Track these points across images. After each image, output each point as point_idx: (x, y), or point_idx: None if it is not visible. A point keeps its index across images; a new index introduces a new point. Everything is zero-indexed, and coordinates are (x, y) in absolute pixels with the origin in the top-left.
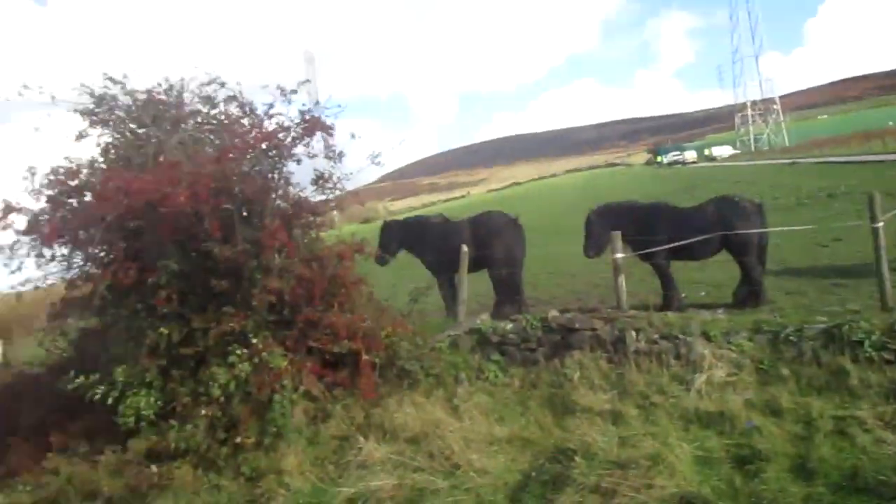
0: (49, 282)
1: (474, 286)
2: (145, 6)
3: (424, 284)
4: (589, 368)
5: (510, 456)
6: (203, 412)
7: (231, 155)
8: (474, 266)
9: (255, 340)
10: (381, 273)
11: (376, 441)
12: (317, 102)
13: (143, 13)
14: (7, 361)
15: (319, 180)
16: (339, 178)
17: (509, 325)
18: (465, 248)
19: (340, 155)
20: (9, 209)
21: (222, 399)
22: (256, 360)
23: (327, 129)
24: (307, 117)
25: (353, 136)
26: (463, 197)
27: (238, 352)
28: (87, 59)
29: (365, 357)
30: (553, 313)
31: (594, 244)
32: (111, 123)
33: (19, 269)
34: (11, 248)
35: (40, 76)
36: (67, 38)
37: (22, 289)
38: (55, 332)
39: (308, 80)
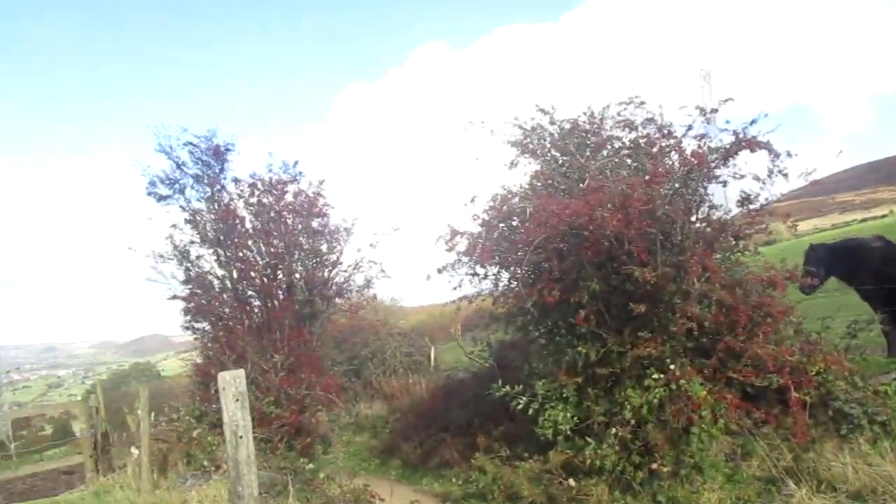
0: (480, 297)
1: None
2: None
3: (862, 317)
4: None
5: None
6: (616, 432)
7: (658, 177)
8: None
9: (672, 366)
10: (807, 303)
11: (809, 490)
12: (709, 120)
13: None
14: (437, 366)
15: (745, 202)
16: (766, 199)
17: None
18: None
19: (779, 173)
20: (454, 233)
21: (634, 422)
22: (673, 386)
23: (764, 148)
24: (741, 137)
25: (788, 154)
26: (885, 216)
27: (654, 376)
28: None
29: (795, 395)
30: None
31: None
32: (539, 152)
33: (460, 285)
34: (453, 266)
35: (480, 110)
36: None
37: (456, 302)
38: (479, 342)
39: (730, 99)
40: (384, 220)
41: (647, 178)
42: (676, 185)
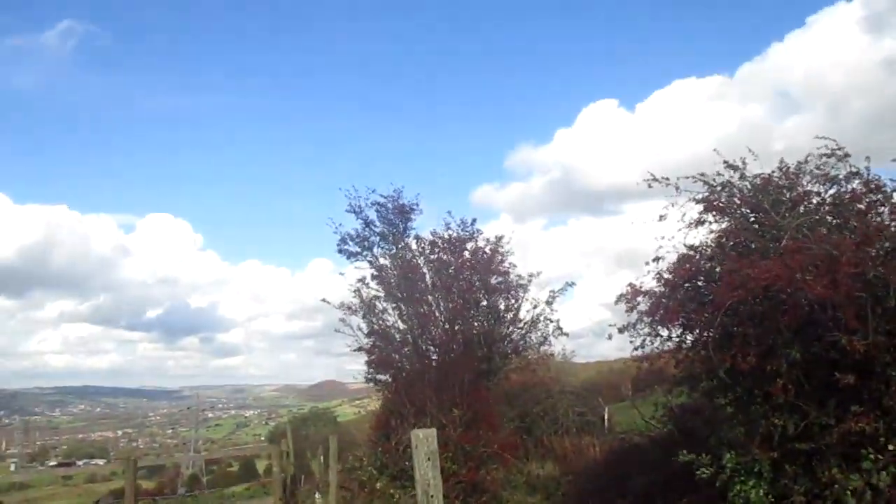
0: (661, 359)
1: None
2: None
3: None
4: None
5: None
6: None
7: (872, 239)
8: None
9: (891, 447)
10: None
11: None
12: None
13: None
14: (611, 427)
15: None
16: None
17: None
18: None
19: None
20: (636, 292)
21: None
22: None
23: None
24: None
25: None
26: None
27: (871, 457)
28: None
29: None
30: None
31: None
32: (727, 210)
33: (643, 346)
34: (634, 325)
35: (655, 167)
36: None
37: (637, 362)
38: (658, 405)
39: None
40: (559, 279)
41: (857, 239)
42: (888, 245)
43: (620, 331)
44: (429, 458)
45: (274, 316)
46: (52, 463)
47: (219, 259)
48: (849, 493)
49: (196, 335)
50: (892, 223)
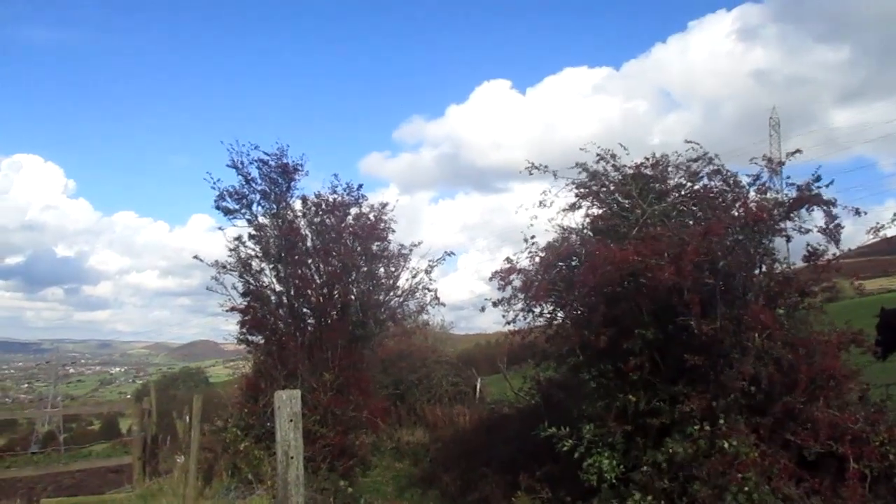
0: (533, 334)
1: None
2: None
3: None
4: None
5: None
6: (663, 486)
7: (716, 230)
8: None
9: (721, 422)
10: (875, 367)
11: None
12: (775, 171)
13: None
14: (482, 397)
15: (812, 257)
16: (834, 254)
17: None
18: None
19: (837, 230)
20: (511, 270)
21: (682, 476)
22: (720, 442)
23: (825, 204)
24: (805, 194)
25: (857, 212)
26: None
27: (696, 427)
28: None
29: (854, 466)
30: None
31: None
32: (601, 196)
33: (514, 320)
34: (509, 301)
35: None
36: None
37: (509, 336)
38: (527, 379)
39: (798, 151)
40: (439, 249)
41: (704, 229)
42: (739, 237)
43: (495, 304)
44: (291, 420)
45: (148, 271)
46: None
47: (91, 208)
48: (666, 459)
49: (60, 286)
50: (744, 218)
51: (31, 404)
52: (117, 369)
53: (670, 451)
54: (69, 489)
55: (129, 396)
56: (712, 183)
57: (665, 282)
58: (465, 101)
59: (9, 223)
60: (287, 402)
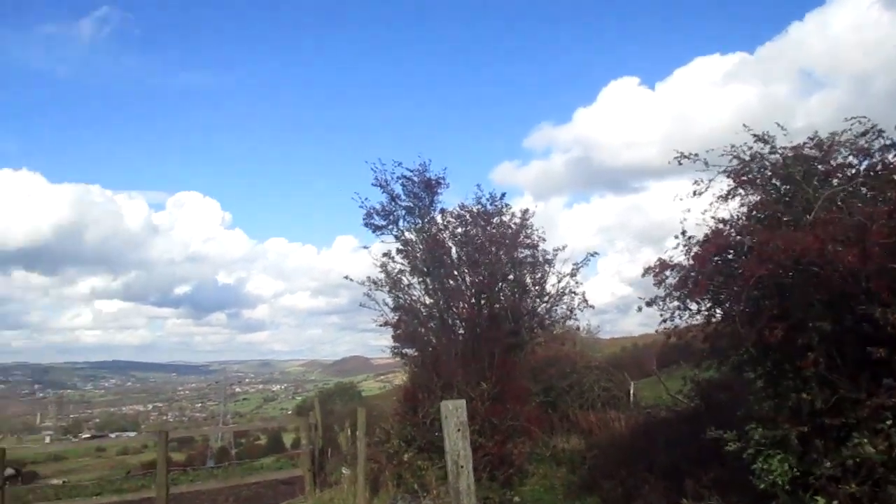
0: (690, 333)
1: None
2: None
3: None
4: None
5: None
6: (850, 490)
7: None
8: None
9: None
10: None
11: None
12: None
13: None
14: (636, 402)
15: None
16: None
17: None
18: None
19: None
20: (664, 266)
21: (871, 481)
22: None
23: None
24: None
25: None
26: None
27: (888, 422)
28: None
29: None
30: None
31: None
32: (758, 182)
33: (671, 318)
34: (663, 299)
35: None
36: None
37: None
38: (686, 380)
39: None
40: (580, 252)
41: (890, 207)
42: None
43: (648, 304)
44: (458, 429)
45: (299, 292)
46: (86, 435)
47: (246, 237)
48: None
49: (223, 311)
50: None
51: (205, 422)
52: (277, 387)
53: (858, 451)
54: (247, 501)
55: (289, 412)
56: (886, 158)
57: (849, 267)
58: (592, 102)
59: (176, 256)
60: (454, 412)
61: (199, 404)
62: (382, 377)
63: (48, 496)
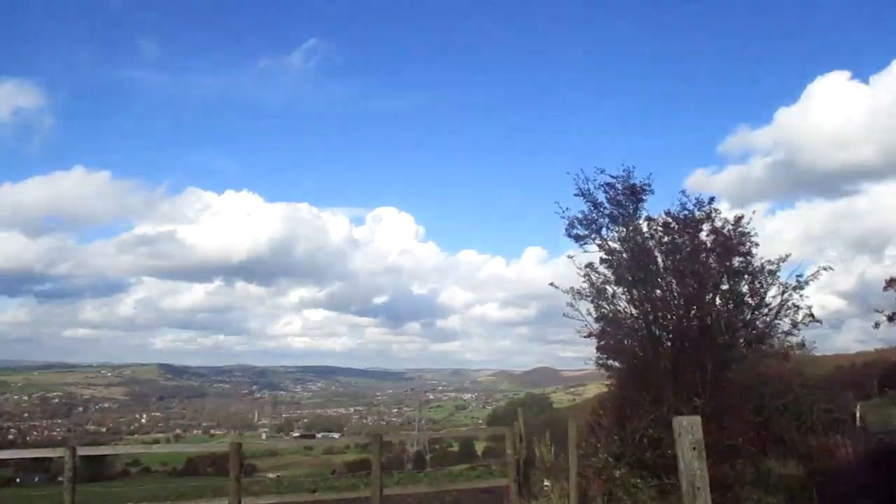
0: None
1: None
2: None
3: None
4: None
5: None
6: None
7: None
8: None
9: None
10: None
11: None
12: None
13: None
14: (864, 425)
15: None
16: None
17: None
18: None
19: None
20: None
21: None
22: None
23: None
24: None
25: None
26: None
27: None
28: None
29: None
30: None
31: None
32: None
33: None
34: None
35: None
36: None
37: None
38: None
39: None
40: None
41: None
42: None
43: (890, 318)
44: (694, 447)
45: (489, 303)
46: (296, 434)
47: (438, 249)
48: None
49: (417, 321)
50: None
51: (401, 427)
52: (469, 395)
53: None
54: None
55: (480, 421)
56: None
57: None
58: (795, 101)
59: (375, 268)
60: (688, 429)
61: (395, 409)
62: (572, 389)
63: (270, 489)
